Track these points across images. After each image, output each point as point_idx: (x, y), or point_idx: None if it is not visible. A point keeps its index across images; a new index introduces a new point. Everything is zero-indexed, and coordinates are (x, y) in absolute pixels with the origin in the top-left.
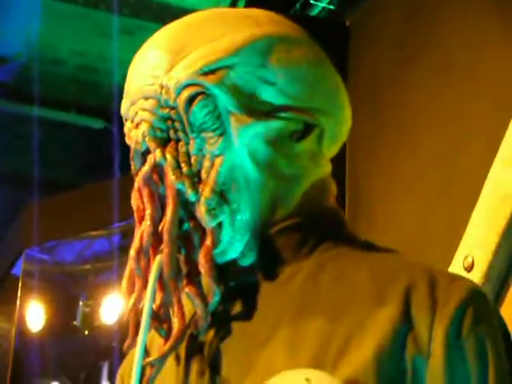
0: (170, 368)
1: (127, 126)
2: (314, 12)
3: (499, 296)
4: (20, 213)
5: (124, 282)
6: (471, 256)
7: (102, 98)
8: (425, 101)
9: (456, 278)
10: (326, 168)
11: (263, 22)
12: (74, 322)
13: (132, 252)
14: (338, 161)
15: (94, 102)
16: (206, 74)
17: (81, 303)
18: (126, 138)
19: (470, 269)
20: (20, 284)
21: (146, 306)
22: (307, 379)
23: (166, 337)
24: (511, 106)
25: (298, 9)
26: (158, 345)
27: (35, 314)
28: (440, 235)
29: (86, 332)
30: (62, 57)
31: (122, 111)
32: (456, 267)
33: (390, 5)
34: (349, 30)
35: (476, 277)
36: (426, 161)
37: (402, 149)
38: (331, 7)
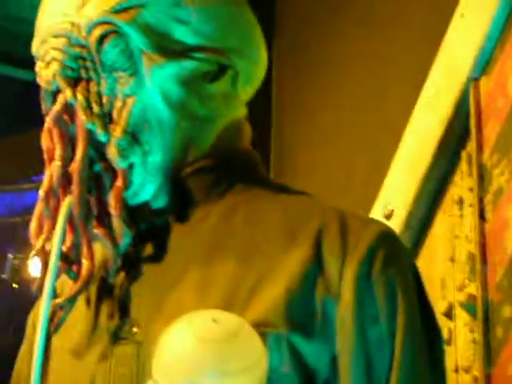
0: (80, 311)
1: (38, 65)
2: None
3: (418, 243)
4: None
5: (33, 222)
6: (391, 204)
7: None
8: (348, 48)
9: (368, 221)
10: (241, 110)
11: None
12: (3, 276)
13: (41, 193)
14: (264, 111)
15: (24, 53)
16: (118, 12)
17: (10, 256)
18: (37, 78)
19: (389, 217)
20: None
21: (55, 247)
22: (214, 320)
23: (76, 279)
24: (434, 51)
25: None
26: (69, 287)
27: None
28: (363, 183)
29: (15, 285)
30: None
31: (33, 50)
32: (375, 215)
33: None
34: None
35: (396, 224)
36: (349, 108)
37: (326, 96)
38: None
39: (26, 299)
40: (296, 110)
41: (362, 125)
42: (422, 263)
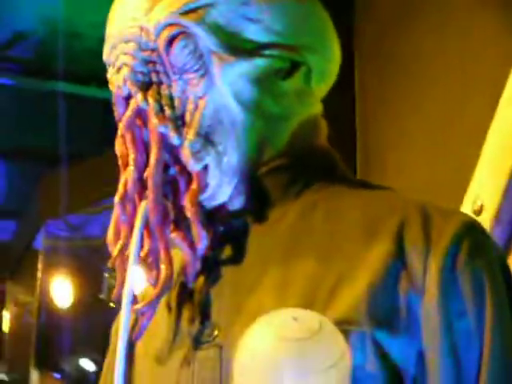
0: (162, 317)
1: (109, 71)
2: None
3: (511, 237)
4: (39, 185)
5: (110, 229)
6: (480, 199)
7: None
8: (432, 51)
9: (451, 212)
10: (316, 107)
11: None
12: (100, 295)
13: (117, 199)
14: (349, 112)
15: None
16: (186, 13)
17: (106, 275)
18: (109, 84)
19: (479, 212)
20: (40, 258)
21: (132, 253)
22: (295, 318)
23: (155, 284)
24: None
25: None
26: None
27: (60, 289)
28: (450, 181)
29: (112, 305)
30: (80, 30)
31: (104, 57)
32: (465, 211)
33: None
34: None
35: (486, 220)
36: (435, 107)
37: (411, 98)
38: None
39: None
40: (380, 114)
41: (447, 126)
42: None
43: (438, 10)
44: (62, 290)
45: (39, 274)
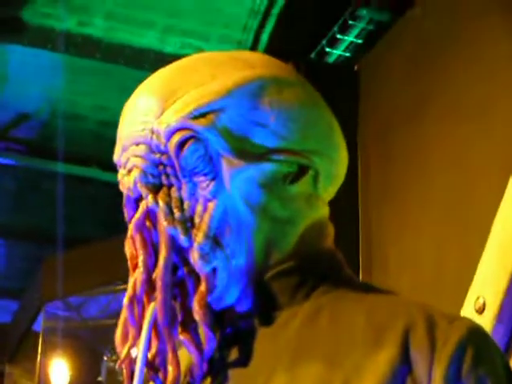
0: None
1: (120, 172)
2: (331, 59)
3: None
4: (41, 266)
5: (118, 330)
6: (482, 297)
7: None
8: (434, 143)
9: (455, 318)
10: (323, 210)
11: (254, 63)
12: (99, 378)
13: (125, 300)
14: (351, 206)
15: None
16: (196, 117)
17: (105, 358)
18: (120, 185)
19: (481, 311)
20: (40, 340)
21: (140, 355)
22: None
23: None
24: None
25: (314, 57)
26: None
27: (58, 371)
28: (454, 276)
29: None
30: (83, 112)
31: (115, 158)
32: (468, 309)
33: (396, 48)
34: (358, 75)
35: (488, 318)
36: (436, 203)
37: (413, 191)
38: (347, 54)
39: None
40: (383, 207)
41: (451, 218)
42: None
43: (437, 101)
44: (60, 373)
45: (39, 357)
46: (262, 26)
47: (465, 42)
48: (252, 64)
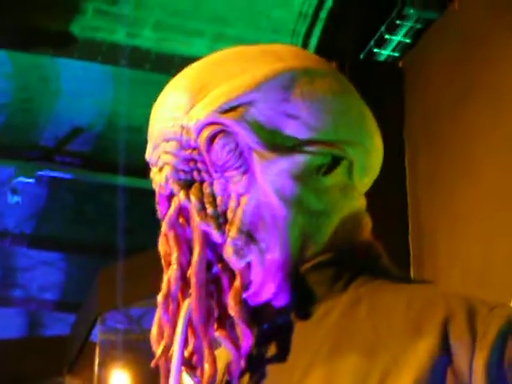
0: None
1: (152, 170)
2: (380, 59)
3: None
4: (98, 277)
5: (153, 328)
6: None
7: None
8: (480, 134)
9: (495, 306)
10: (359, 201)
11: (285, 56)
12: None
13: (159, 298)
14: (400, 199)
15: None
16: (226, 111)
17: None
18: (152, 183)
19: None
20: (97, 351)
21: (176, 353)
22: None
23: (200, 383)
24: None
25: (363, 58)
26: None
27: (118, 383)
28: (503, 268)
29: None
30: (136, 123)
31: (147, 156)
32: None
33: (439, 43)
34: (403, 71)
35: None
36: (486, 196)
37: (462, 184)
38: (396, 54)
39: None
40: (432, 201)
41: (500, 210)
42: None
43: (489, 88)
44: None
45: (96, 368)
46: (310, 29)
47: (503, 31)
48: (282, 57)
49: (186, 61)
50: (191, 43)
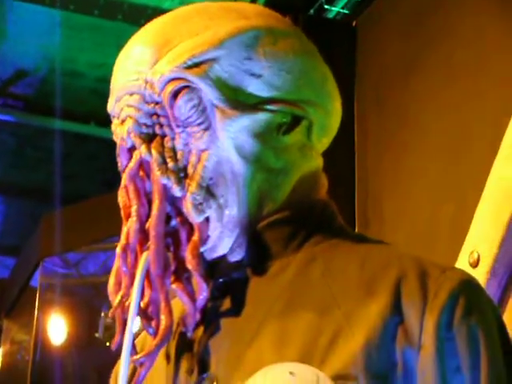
0: (160, 366)
1: (114, 122)
2: (330, 16)
3: (507, 290)
4: (39, 223)
5: (111, 279)
6: (476, 251)
7: None
8: (429, 98)
9: (447, 268)
10: (317, 161)
11: (249, 14)
12: (96, 334)
13: (118, 249)
14: (348, 158)
15: None
16: (190, 67)
17: (102, 314)
18: (113, 135)
19: (475, 264)
20: (37, 296)
21: (133, 303)
22: (291, 373)
23: (155, 334)
24: None
25: (313, 13)
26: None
27: (56, 326)
28: (449, 230)
29: (108, 344)
30: (80, 69)
31: (109, 109)
32: (462, 263)
33: (393, 5)
34: (355, 30)
35: (482, 272)
36: (432, 157)
37: (409, 147)
38: (346, 11)
39: (119, 357)
40: (379, 161)
41: (446, 172)
42: (509, 313)
43: (441, 54)
44: (58, 328)
45: (36, 312)
46: None
47: None
48: (246, 15)
49: (134, 8)
50: None
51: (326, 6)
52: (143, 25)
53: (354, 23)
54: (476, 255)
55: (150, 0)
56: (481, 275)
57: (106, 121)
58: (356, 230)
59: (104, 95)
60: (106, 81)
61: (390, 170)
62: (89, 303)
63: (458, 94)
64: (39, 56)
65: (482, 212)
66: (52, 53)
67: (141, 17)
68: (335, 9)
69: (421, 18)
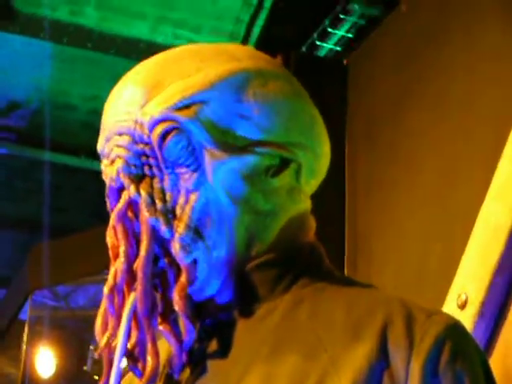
0: None
1: (103, 163)
2: (321, 53)
3: (494, 333)
4: (28, 255)
5: (98, 320)
6: (464, 293)
7: None
8: (420, 135)
9: (433, 313)
10: (306, 203)
11: (240, 56)
12: (85, 368)
13: (105, 290)
14: (338, 199)
15: None
16: (179, 109)
17: (91, 348)
18: (103, 175)
19: (463, 306)
20: (26, 328)
21: (119, 345)
22: None
23: (141, 376)
24: (503, 143)
25: (305, 50)
26: None
27: (45, 359)
28: (437, 271)
29: (96, 377)
30: (73, 102)
31: (98, 148)
32: (450, 305)
33: (384, 43)
34: (347, 69)
35: (470, 314)
36: (421, 197)
37: (399, 185)
38: (337, 48)
39: None
40: (369, 201)
41: (435, 213)
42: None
43: (432, 91)
44: (46, 362)
45: (24, 346)
46: (253, 18)
47: (450, 36)
48: (237, 57)
49: (127, 42)
50: (133, 24)
51: (318, 43)
52: (136, 58)
53: (345, 61)
54: (464, 297)
55: (143, 34)
56: (469, 317)
57: (96, 153)
58: (345, 269)
59: (95, 128)
60: (97, 113)
61: (380, 209)
62: (78, 336)
63: (448, 132)
64: (31, 88)
65: (471, 252)
66: (44, 85)
67: (134, 50)
68: (327, 45)
69: (412, 56)
